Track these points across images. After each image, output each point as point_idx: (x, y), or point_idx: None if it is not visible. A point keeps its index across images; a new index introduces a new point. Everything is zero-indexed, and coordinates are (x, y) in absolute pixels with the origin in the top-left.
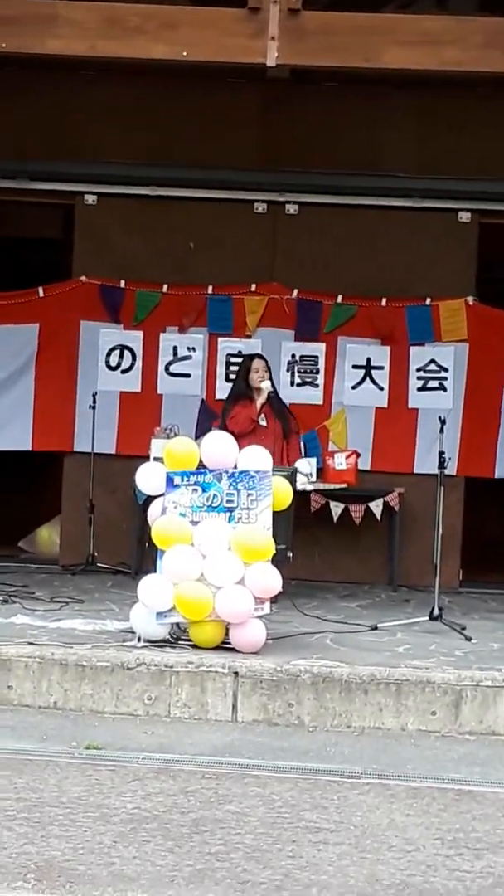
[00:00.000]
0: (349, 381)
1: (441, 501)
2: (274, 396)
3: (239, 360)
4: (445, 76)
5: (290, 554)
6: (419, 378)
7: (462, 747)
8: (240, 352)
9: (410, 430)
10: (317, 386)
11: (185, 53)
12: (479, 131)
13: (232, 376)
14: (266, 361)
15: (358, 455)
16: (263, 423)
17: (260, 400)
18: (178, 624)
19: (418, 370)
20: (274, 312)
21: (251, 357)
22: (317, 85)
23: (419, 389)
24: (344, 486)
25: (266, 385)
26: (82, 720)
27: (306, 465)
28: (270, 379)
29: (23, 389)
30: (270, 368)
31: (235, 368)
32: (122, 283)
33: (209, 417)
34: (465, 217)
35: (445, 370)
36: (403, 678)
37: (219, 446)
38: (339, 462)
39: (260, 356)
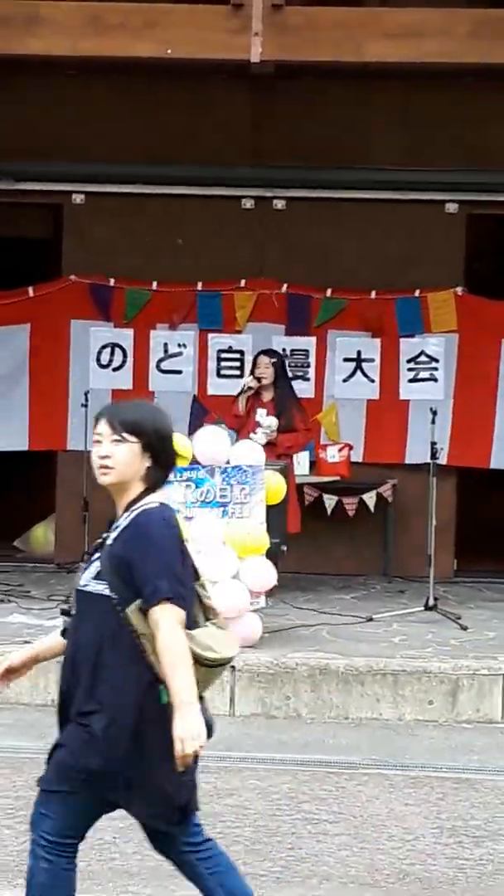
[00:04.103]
0: (340, 374)
1: (434, 492)
2: (281, 392)
3: (229, 355)
4: (431, 68)
5: (283, 547)
6: (410, 370)
7: (460, 736)
8: (230, 347)
9: (402, 421)
10: (308, 379)
11: (168, 51)
12: (465, 122)
13: (223, 371)
14: (271, 357)
15: (350, 448)
16: (261, 419)
17: (246, 394)
18: None
19: (409, 362)
20: (264, 307)
21: (259, 352)
22: (302, 79)
23: (410, 381)
24: (337, 478)
25: (246, 381)
26: None
27: (265, 418)
28: (281, 375)
29: (18, 390)
30: (279, 364)
31: (226, 364)
32: (112, 282)
33: (201, 413)
34: (452, 208)
35: (436, 361)
36: (400, 669)
37: (211, 442)
38: (332, 455)
39: (266, 352)
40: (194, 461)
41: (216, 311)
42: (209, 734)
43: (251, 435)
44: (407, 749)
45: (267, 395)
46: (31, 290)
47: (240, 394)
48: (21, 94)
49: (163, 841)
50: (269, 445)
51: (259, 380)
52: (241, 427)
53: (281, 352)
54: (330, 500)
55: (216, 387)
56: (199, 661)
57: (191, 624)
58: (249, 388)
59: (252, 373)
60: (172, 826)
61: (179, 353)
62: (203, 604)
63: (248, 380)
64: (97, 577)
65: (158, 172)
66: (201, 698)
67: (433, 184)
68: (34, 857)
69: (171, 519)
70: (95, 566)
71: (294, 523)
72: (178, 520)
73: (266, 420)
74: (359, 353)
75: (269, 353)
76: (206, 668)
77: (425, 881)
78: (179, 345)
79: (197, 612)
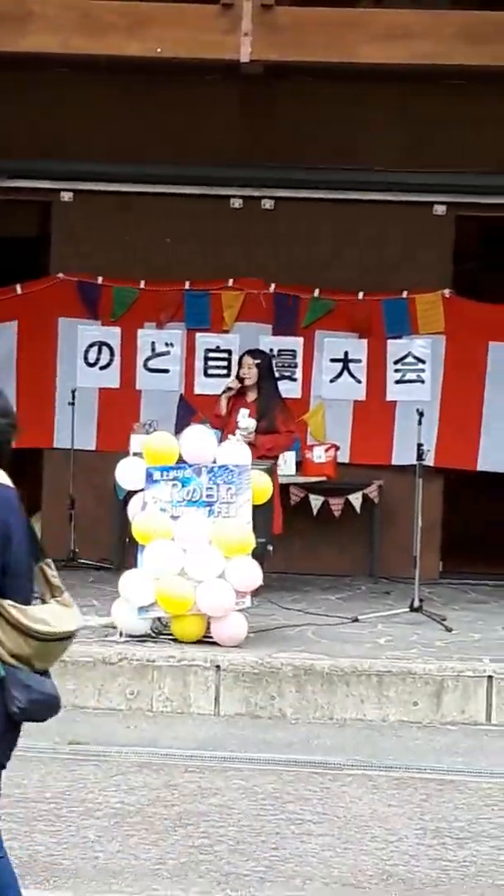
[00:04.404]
0: (327, 374)
1: (420, 493)
2: (266, 393)
3: (217, 354)
4: (419, 69)
5: (270, 547)
6: (397, 371)
7: (444, 737)
8: (218, 346)
9: (388, 422)
10: (295, 380)
11: (159, 50)
12: (453, 124)
13: (210, 371)
14: (255, 357)
15: (337, 448)
16: (241, 419)
17: (227, 394)
18: (159, 619)
19: (396, 363)
20: (251, 307)
21: (244, 352)
22: (292, 80)
23: (397, 382)
24: (323, 479)
25: (229, 381)
26: (65, 716)
27: (244, 419)
28: (266, 375)
29: (5, 387)
30: (263, 364)
31: (214, 363)
32: (100, 280)
33: (188, 412)
34: (440, 210)
35: (423, 363)
36: (385, 670)
37: (198, 441)
38: (318, 455)
39: (250, 352)
40: (181, 460)
41: (204, 310)
42: (54, 710)
43: (229, 436)
44: (391, 750)
45: (251, 396)
46: (18, 288)
47: (222, 393)
48: (11, 91)
49: None
50: (250, 447)
51: (242, 380)
52: (224, 427)
53: (268, 352)
54: (316, 501)
55: (203, 386)
56: (29, 634)
57: (31, 600)
58: (230, 388)
59: (237, 373)
60: None
61: (167, 352)
62: (49, 582)
63: (229, 380)
64: None
65: (147, 171)
66: (46, 673)
67: (422, 185)
68: None
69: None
70: None
71: (277, 524)
72: (13, 499)
73: (244, 422)
74: (346, 353)
75: (254, 353)
76: (39, 641)
77: (408, 882)
78: (167, 344)
79: (44, 589)
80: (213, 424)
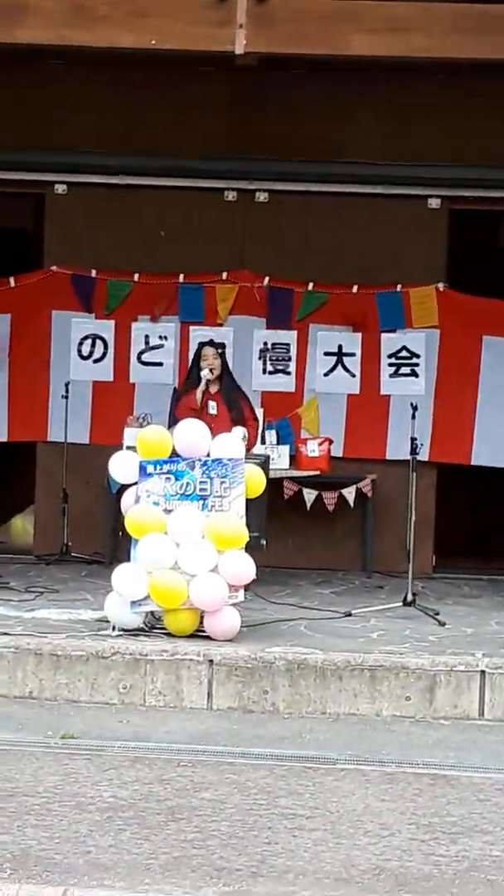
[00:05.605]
0: (321, 368)
1: (413, 487)
2: (227, 384)
3: None
4: (414, 62)
5: (263, 541)
6: (391, 364)
7: (437, 732)
8: (211, 340)
9: (382, 416)
10: (289, 373)
11: (153, 42)
12: (448, 117)
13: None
14: (216, 349)
15: (330, 442)
16: (213, 411)
17: (202, 388)
18: (152, 612)
19: (390, 357)
20: (245, 300)
21: (202, 344)
22: (286, 72)
23: (391, 376)
24: (317, 473)
25: (205, 374)
26: (58, 709)
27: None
28: (225, 367)
29: None
30: (223, 355)
31: None
32: (94, 273)
33: None
34: (434, 204)
35: (417, 356)
36: (378, 664)
37: (191, 434)
38: (312, 449)
39: (211, 343)
40: (174, 454)
41: (198, 303)
42: None
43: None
44: (384, 744)
45: (214, 388)
46: (12, 281)
47: (195, 386)
48: (6, 83)
49: None
50: None
51: (211, 371)
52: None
53: (224, 344)
54: (309, 495)
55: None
56: None
57: None
58: (208, 380)
59: (198, 364)
60: None
61: (160, 346)
62: None
63: (205, 373)
64: None
65: (141, 164)
66: None
67: (416, 178)
68: None
69: None
70: None
71: None
72: None
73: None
74: (340, 347)
75: (214, 344)
76: None
77: (401, 877)
78: (161, 337)
79: None
80: (183, 416)
